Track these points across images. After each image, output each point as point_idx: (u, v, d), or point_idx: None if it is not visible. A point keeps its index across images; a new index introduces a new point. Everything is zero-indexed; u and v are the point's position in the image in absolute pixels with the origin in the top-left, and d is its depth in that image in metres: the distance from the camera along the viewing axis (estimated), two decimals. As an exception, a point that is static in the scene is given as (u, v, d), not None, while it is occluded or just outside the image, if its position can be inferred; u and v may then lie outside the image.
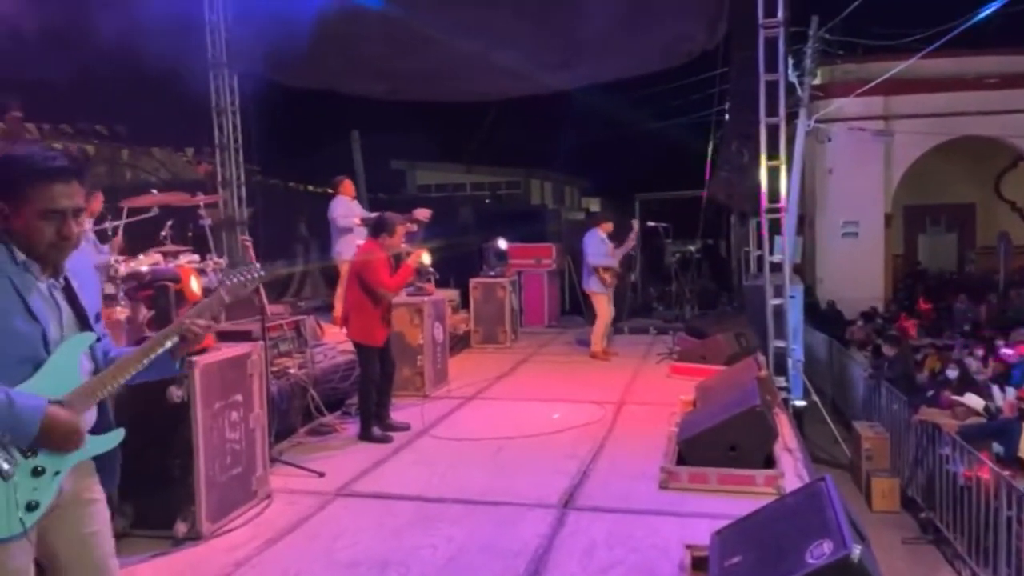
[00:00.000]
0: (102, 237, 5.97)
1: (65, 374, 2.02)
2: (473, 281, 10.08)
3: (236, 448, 4.14)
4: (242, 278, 2.30)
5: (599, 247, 8.75)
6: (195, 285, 4.63)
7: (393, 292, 5.76)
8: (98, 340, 2.17)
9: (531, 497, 4.46)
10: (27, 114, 9.20)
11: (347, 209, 8.56)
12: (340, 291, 8.90)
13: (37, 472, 1.95)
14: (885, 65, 15.76)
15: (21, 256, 2.02)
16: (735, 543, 3.14)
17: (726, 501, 4.26)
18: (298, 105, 14.39)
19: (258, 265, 2.38)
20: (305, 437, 5.76)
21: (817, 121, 15.89)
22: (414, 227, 7.79)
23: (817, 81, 16.30)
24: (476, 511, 4.29)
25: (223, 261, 6.03)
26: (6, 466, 1.87)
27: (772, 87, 7.56)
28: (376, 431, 5.70)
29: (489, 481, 4.79)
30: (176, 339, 2.18)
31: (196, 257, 5.98)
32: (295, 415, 5.83)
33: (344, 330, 5.88)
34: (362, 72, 10.05)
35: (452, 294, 10.09)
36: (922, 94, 16.90)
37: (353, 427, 5.85)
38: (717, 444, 4.62)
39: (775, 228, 7.97)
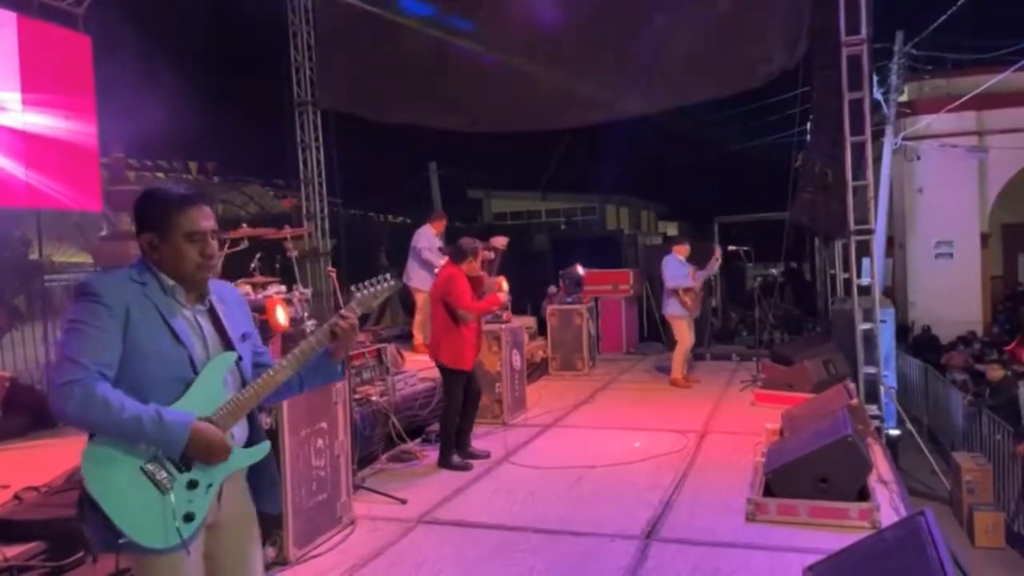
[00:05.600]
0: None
1: (211, 392, 2.15)
2: (550, 308, 10.07)
3: (321, 475, 4.22)
4: (372, 289, 2.41)
5: (677, 269, 8.64)
6: (281, 315, 4.79)
7: (474, 315, 5.80)
8: (240, 359, 2.26)
9: (613, 528, 4.39)
10: (126, 153, 9.75)
11: (430, 243, 8.81)
12: (418, 319, 9.09)
13: (192, 485, 2.08)
14: (976, 79, 15.20)
15: (169, 282, 2.17)
16: (829, 580, 3.01)
17: (817, 535, 4.11)
18: (377, 138, 14.81)
19: (388, 275, 2.46)
20: (387, 464, 5.82)
21: (905, 139, 15.39)
22: (491, 255, 7.87)
23: (904, 98, 15.81)
24: (557, 541, 4.24)
25: (308, 291, 6.20)
26: (164, 479, 2.02)
27: (856, 105, 7.36)
28: (456, 459, 5.73)
29: (570, 511, 4.74)
30: (327, 342, 2.29)
31: (283, 288, 6.17)
32: (377, 442, 5.91)
33: (433, 356, 5.92)
34: (443, 106, 10.27)
35: (529, 321, 10.10)
36: (1017, 108, 16.13)
37: (433, 454, 5.90)
38: (807, 475, 4.45)
39: (863, 250, 7.71)
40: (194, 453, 2.05)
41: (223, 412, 2.13)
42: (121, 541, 1.97)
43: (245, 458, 2.23)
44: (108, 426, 1.97)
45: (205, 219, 2.20)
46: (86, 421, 1.99)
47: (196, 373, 2.14)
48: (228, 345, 2.25)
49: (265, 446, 2.29)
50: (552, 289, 11.00)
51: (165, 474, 2.03)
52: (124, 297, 2.08)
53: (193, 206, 2.18)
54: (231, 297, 2.37)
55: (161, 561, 2.05)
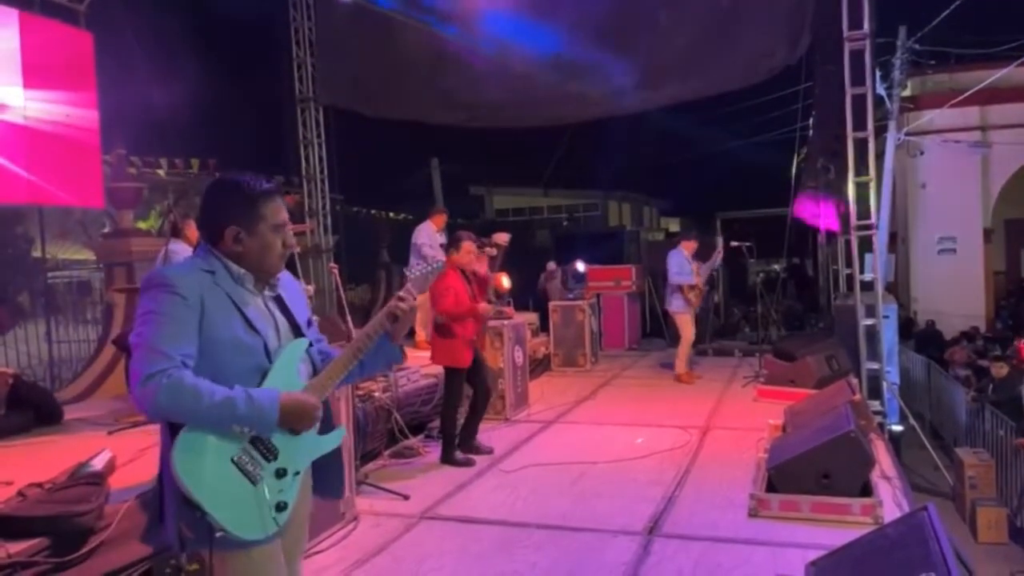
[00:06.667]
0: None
1: (287, 380, 2.12)
2: (552, 304, 10.07)
3: (324, 471, 4.21)
4: (425, 269, 2.39)
5: (682, 265, 8.63)
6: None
7: (446, 317, 5.57)
8: (311, 345, 2.26)
9: (615, 523, 4.40)
10: (128, 150, 9.75)
11: (431, 239, 8.78)
12: (420, 316, 9.08)
13: (280, 474, 2.05)
14: (979, 74, 15.16)
15: (238, 270, 2.13)
16: (831, 575, 3.01)
17: (820, 531, 4.10)
18: (379, 134, 14.80)
19: (440, 260, 2.49)
20: (389, 460, 5.83)
21: (908, 134, 15.37)
22: (493, 251, 7.86)
23: (907, 93, 15.76)
24: (559, 537, 4.25)
25: (311, 287, 6.20)
26: (254, 469, 1.99)
27: (859, 101, 7.33)
28: (459, 455, 5.73)
29: (572, 506, 4.74)
30: (388, 323, 2.25)
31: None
32: (379, 438, 5.92)
33: (431, 355, 5.91)
34: (441, 102, 10.26)
35: (532, 317, 10.10)
36: (1020, 103, 16.08)
37: (435, 450, 5.90)
38: (809, 471, 4.45)
39: (865, 246, 7.70)
40: (288, 421, 2.03)
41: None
42: (217, 535, 1.92)
43: (325, 444, 2.21)
44: (200, 413, 1.92)
45: (285, 210, 2.19)
46: (177, 411, 1.92)
47: (271, 362, 2.11)
48: (298, 332, 2.22)
49: (341, 431, 2.28)
50: (551, 266, 11.02)
51: (255, 464, 1.99)
52: (198, 287, 2.03)
53: (277, 196, 2.17)
54: (290, 284, 2.32)
55: (253, 555, 2.02)
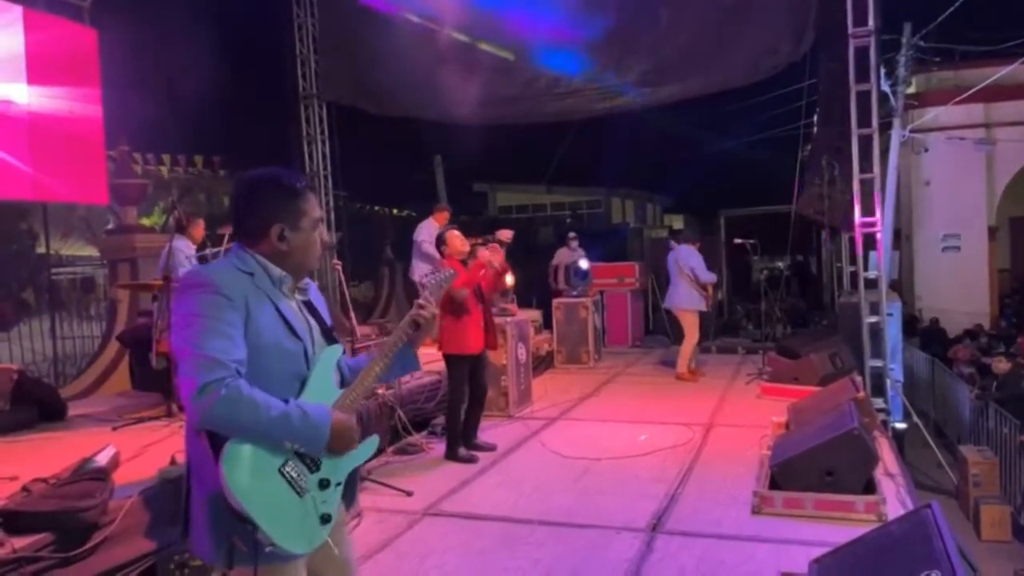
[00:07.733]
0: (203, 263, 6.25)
1: (325, 388, 2.07)
2: (555, 301, 10.07)
3: (327, 467, 4.22)
4: (437, 278, 2.38)
5: (704, 263, 8.62)
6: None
7: (458, 293, 5.50)
8: (344, 352, 2.22)
9: (618, 520, 4.39)
10: (132, 147, 9.77)
11: (431, 236, 8.77)
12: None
13: (324, 485, 1.99)
14: (984, 71, 15.11)
15: (278, 272, 2.06)
16: (835, 572, 3.01)
17: (823, 528, 4.10)
18: (383, 131, 14.79)
19: (451, 269, 2.49)
20: (392, 456, 5.84)
21: (912, 131, 15.34)
22: (496, 248, 7.86)
23: (911, 90, 15.72)
24: (562, 534, 4.25)
25: (314, 284, 6.20)
26: (300, 481, 1.93)
27: (863, 98, 7.31)
28: (462, 451, 5.73)
29: (575, 503, 4.74)
30: (411, 331, 2.21)
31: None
32: (382, 435, 5.93)
33: (440, 348, 5.87)
34: (443, 99, 10.26)
35: (535, 314, 10.10)
36: (1026, 100, 16.04)
37: (439, 447, 5.91)
38: (813, 468, 4.45)
39: (869, 243, 7.68)
40: (335, 444, 1.97)
41: (341, 407, 2.06)
42: (268, 550, 1.84)
43: (363, 454, 2.15)
44: (256, 427, 1.84)
45: (319, 205, 2.16)
46: (233, 423, 1.84)
47: (309, 368, 2.05)
48: (329, 337, 2.17)
49: (374, 440, 2.22)
50: (572, 235, 11.09)
51: (300, 475, 1.93)
52: (242, 289, 1.95)
53: (312, 192, 2.14)
54: (313, 289, 2.27)
55: (288, 568, 1.97)
